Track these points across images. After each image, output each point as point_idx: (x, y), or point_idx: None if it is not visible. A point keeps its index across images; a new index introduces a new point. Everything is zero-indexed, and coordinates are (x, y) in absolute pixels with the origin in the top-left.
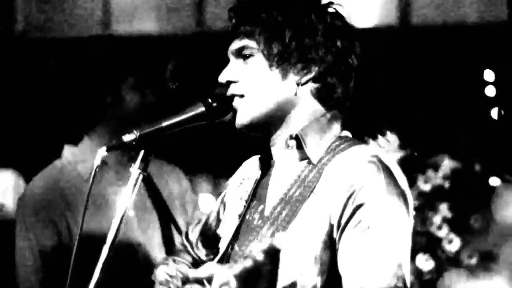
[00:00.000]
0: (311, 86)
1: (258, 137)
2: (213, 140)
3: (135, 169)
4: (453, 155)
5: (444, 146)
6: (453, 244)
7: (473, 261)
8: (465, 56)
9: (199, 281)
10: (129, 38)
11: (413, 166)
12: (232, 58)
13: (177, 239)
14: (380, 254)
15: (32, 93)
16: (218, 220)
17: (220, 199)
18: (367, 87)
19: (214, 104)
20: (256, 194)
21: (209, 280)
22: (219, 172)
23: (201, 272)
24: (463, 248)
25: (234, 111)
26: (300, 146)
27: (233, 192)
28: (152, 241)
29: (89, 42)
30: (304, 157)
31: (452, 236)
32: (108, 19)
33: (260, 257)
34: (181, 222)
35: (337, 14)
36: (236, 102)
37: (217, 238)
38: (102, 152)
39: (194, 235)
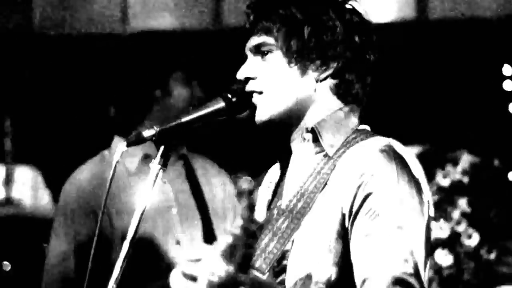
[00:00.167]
0: (330, 82)
1: (278, 134)
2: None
3: (155, 165)
4: (472, 150)
5: (463, 141)
6: (472, 239)
7: (492, 256)
8: (483, 51)
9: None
10: (147, 34)
11: (432, 161)
12: (249, 54)
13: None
14: (390, 241)
15: (55, 90)
16: None
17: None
18: (385, 82)
19: (234, 99)
20: (277, 192)
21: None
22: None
23: (192, 256)
24: (482, 243)
25: (254, 107)
26: (316, 139)
27: (261, 198)
28: (193, 241)
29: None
30: (320, 150)
31: (471, 231)
32: (126, 15)
33: (238, 231)
34: (220, 227)
35: (354, 10)
36: (256, 99)
37: None
38: (123, 147)
39: None
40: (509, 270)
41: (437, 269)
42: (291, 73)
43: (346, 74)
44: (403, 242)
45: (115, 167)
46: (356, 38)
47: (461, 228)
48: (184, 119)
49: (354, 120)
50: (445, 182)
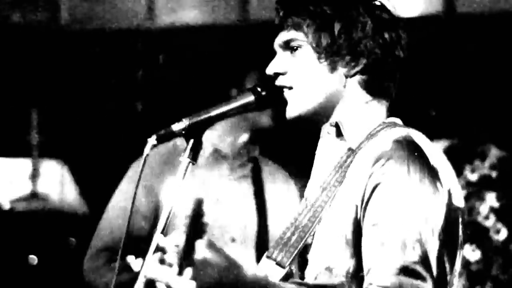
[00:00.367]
0: (359, 78)
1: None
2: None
3: (184, 158)
4: (500, 145)
5: (491, 135)
6: (500, 234)
7: None
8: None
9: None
10: (173, 30)
11: (460, 156)
12: (279, 50)
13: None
14: (395, 230)
15: (82, 84)
16: None
17: None
18: (413, 77)
19: (264, 93)
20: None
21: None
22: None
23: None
24: (511, 237)
25: (284, 102)
26: (340, 134)
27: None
28: (247, 238)
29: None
30: (344, 144)
31: (499, 225)
32: (152, 10)
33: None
34: (275, 235)
35: (384, 7)
36: (286, 94)
37: None
38: (152, 141)
39: None
40: None
41: (465, 264)
42: (321, 68)
43: (375, 70)
44: (410, 230)
45: (145, 160)
46: (386, 35)
47: (489, 223)
48: (213, 113)
49: (381, 113)
50: (473, 177)
